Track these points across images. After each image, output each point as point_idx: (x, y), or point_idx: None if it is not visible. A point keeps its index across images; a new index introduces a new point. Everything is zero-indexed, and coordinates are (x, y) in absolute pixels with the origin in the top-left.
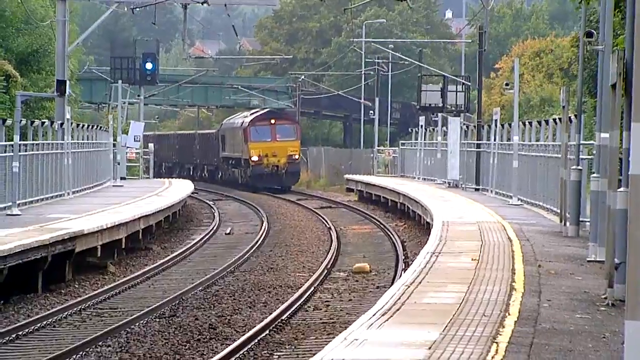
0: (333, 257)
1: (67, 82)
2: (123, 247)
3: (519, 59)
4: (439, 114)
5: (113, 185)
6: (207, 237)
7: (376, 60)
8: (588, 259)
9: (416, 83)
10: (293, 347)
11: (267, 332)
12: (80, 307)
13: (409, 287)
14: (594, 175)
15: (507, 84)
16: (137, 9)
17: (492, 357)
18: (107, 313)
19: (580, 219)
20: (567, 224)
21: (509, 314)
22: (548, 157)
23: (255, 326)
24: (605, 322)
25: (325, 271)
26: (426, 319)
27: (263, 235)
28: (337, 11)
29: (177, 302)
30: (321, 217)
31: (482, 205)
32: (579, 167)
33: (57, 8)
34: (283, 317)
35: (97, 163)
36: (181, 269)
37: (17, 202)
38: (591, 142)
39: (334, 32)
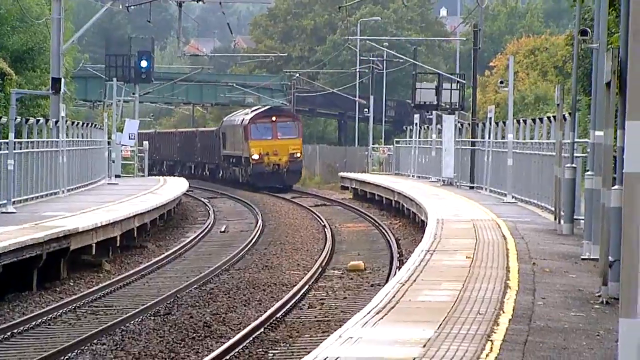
0: (328, 255)
1: (62, 79)
2: (118, 245)
3: (513, 56)
4: (434, 112)
5: (108, 183)
6: (202, 235)
7: (371, 58)
8: (582, 257)
9: (411, 81)
10: (288, 345)
11: (261, 330)
12: (75, 305)
13: (403, 285)
14: (588, 173)
15: (501, 82)
16: (132, 7)
17: (487, 355)
18: (102, 311)
19: (575, 217)
20: (562, 221)
21: (503, 312)
22: (542, 155)
23: (250, 324)
24: (599, 320)
25: (320, 269)
26: (421, 316)
27: (258, 233)
28: (331, 9)
29: (172, 300)
30: (316, 215)
31: (476, 203)
32: (574, 165)
33: (52, 6)
34: (278, 315)
35: (92, 161)
36: (176, 267)
37: (12, 200)
38: (585, 140)
39: (329, 30)
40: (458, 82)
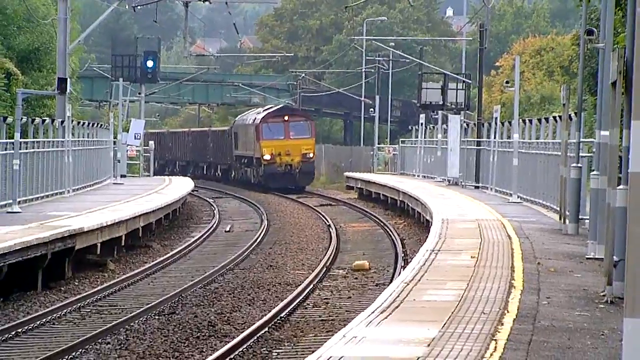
0: (332, 255)
1: (68, 80)
2: (123, 244)
3: (519, 56)
4: (439, 112)
5: (113, 183)
6: (206, 234)
7: (377, 58)
8: (587, 257)
9: (417, 81)
10: (292, 344)
11: (266, 329)
12: (79, 304)
13: (408, 284)
14: (594, 173)
15: (507, 82)
16: (139, 7)
17: (491, 355)
18: (106, 310)
19: (580, 217)
20: (567, 221)
21: (507, 312)
22: (548, 155)
23: (254, 323)
24: (604, 320)
25: (325, 269)
26: (425, 316)
27: (263, 233)
28: (337, 9)
29: (176, 299)
30: (321, 214)
31: (481, 203)
32: (579, 165)
33: (59, 6)
34: (282, 315)
35: (97, 161)
36: (181, 267)
37: (18, 199)
38: (591, 139)
39: (335, 30)
40: (464, 82)
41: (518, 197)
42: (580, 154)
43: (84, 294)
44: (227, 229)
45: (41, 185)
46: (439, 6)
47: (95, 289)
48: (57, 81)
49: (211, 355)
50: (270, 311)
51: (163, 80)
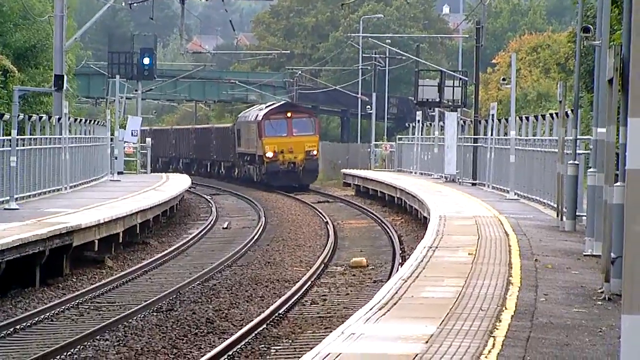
0: (330, 252)
1: (65, 77)
2: (120, 241)
3: (516, 54)
4: (436, 109)
5: (110, 180)
6: (204, 231)
7: (373, 55)
8: (585, 254)
9: (413, 78)
10: (290, 341)
11: (264, 326)
12: (77, 301)
13: (406, 281)
14: (591, 170)
15: (504, 79)
16: (135, 4)
17: (489, 351)
18: (104, 307)
19: (577, 214)
20: (564, 218)
21: (505, 308)
22: (545, 152)
23: (252, 320)
24: (601, 317)
25: (323, 265)
26: (423, 313)
27: (260, 230)
28: (334, 6)
29: (174, 296)
30: (318, 211)
31: (479, 199)
32: (576, 162)
33: (55, 3)
34: (280, 311)
35: (94, 158)
36: (178, 263)
37: (15, 196)
38: (588, 137)
39: (331, 27)
40: (460, 79)
41: (515, 194)
42: (577, 151)
43: (82, 291)
44: (225, 225)
45: (38, 182)
46: (435, 3)
47: (93, 286)
48: (53, 78)
49: (209, 352)
50: (268, 308)
51: (160, 77)
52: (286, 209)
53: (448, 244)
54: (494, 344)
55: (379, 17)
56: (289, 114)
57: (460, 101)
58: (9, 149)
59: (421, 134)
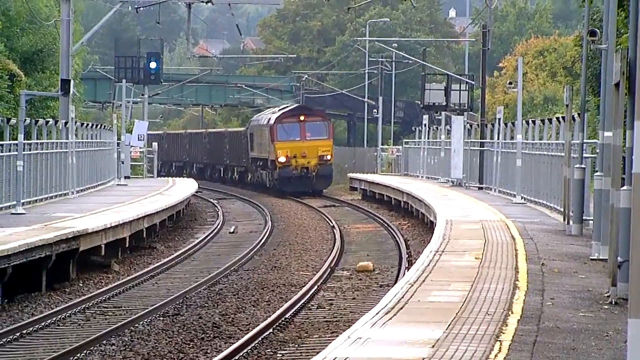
0: (337, 256)
1: (72, 81)
2: (127, 245)
3: (522, 57)
4: (443, 113)
5: (117, 185)
6: (211, 235)
7: (380, 59)
8: (591, 258)
9: (420, 82)
10: (297, 345)
11: (270, 330)
12: (84, 305)
13: (412, 285)
14: (598, 173)
15: (510, 83)
16: (141, 9)
17: (496, 356)
18: (111, 312)
19: (584, 218)
20: (571, 222)
21: (512, 313)
22: (551, 156)
23: (258, 324)
24: (608, 321)
25: (329, 270)
26: (430, 317)
27: (267, 234)
28: (340, 10)
29: (181, 300)
30: (325, 215)
31: (485, 204)
32: (583, 166)
33: (62, 8)
34: (287, 316)
35: (101, 162)
36: (185, 268)
37: (22, 201)
38: (594, 140)
39: (338, 31)
40: (467, 83)
41: (522, 198)
42: (584, 155)
43: (89, 295)
44: (231, 230)
45: (45, 186)
46: (442, 7)
47: (100, 290)
48: (60, 82)
49: (216, 356)
50: (274, 312)
51: (166, 81)
52: (293, 213)
53: (454, 248)
54: (500, 349)
55: (386, 21)
56: (302, 118)
57: (466, 105)
58: (16, 153)
59: (427, 138)
